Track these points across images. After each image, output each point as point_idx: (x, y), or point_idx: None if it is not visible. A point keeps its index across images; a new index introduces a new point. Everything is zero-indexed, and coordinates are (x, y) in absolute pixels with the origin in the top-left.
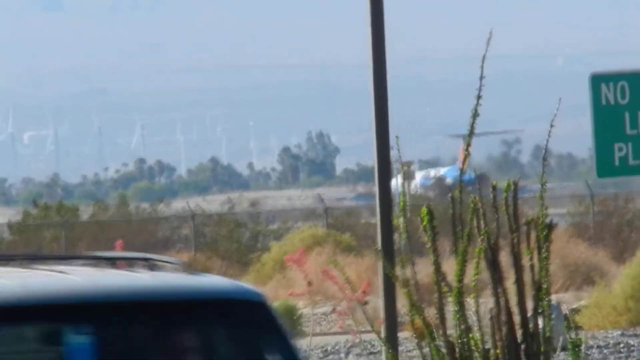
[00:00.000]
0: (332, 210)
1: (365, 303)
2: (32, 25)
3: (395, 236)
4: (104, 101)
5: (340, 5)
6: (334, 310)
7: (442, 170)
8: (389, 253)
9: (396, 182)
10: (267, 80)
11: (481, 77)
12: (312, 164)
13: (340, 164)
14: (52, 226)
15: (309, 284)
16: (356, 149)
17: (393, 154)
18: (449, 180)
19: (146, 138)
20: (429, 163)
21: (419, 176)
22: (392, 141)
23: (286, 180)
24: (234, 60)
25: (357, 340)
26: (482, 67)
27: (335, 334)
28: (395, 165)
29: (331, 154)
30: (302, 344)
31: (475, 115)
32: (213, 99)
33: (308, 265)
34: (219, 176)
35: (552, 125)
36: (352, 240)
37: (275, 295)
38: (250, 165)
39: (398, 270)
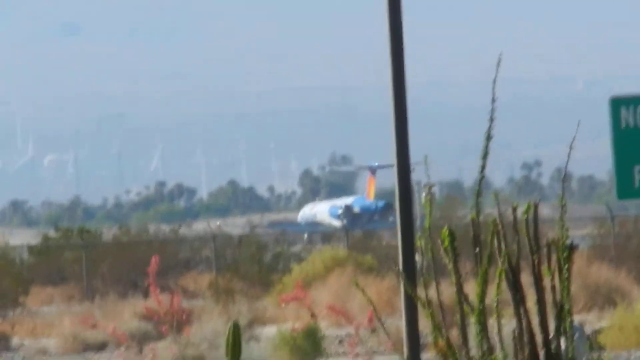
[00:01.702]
0: (352, 232)
1: (374, 330)
2: (51, 50)
3: (416, 257)
4: (124, 125)
5: (361, 28)
6: (340, 342)
7: (349, 200)
8: (410, 274)
9: (312, 209)
10: (288, 104)
11: (493, 100)
12: (332, 186)
13: (361, 186)
14: (73, 248)
15: (313, 316)
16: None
17: (413, 176)
18: (356, 209)
19: (166, 161)
20: (449, 185)
21: (326, 206)
22: (413, 164)
23: (307, 203)
24: (255, 84)
25: None
26: (493, 89)
27: (358, 355)
28: (416, 188)
29: (353, 175)
30: None
31: (488, 137)
32: (233, 123)
33: (330, 285)
34: (239, 199)
35: (571, 148)
36: (373, 262)
37: (297, 316)
38: (271, 188)
39: (420, 291)
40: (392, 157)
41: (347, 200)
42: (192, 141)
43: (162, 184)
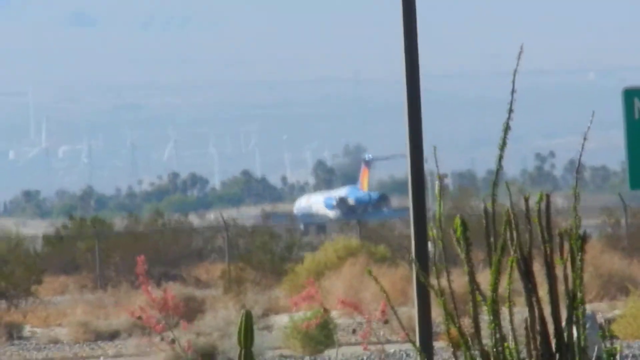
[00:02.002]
0: (365, 221)
1: (386, 322)
2: (66, 40)
3: (429, 246)
4: (137, 116)
5: (374, 19)
6: (354, 332)
7: (343, 191)
8: (423, 263)
9: (307, 201)
10: (301, 94)
11: (512, 92)
12: (345, 177)
13: (374, 177)
14: (86, 237)
15: (325, 311)
16: (390, 162)
17: (427, 166)
18: (351, 201)
19: (179, 151)
20: (462, 175)
21: (321, 197)
22: (426, 153)
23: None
24: (267, 75)
25: (383, 356)
26: (513, 81)
27: (370, 343)
28: (429, 178)
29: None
30: (336, 353)
31: (506, 129)
32: (246, 114)
33: (343, 274)
34: (252, 189)
35: (585, 139)
36: (386, 252)
37: (309, 305)
38: (284, 178)
39: (432, 280)
40: (404, 147)
41: (341, 191)
42: (205, 132)
43: (175, 174)
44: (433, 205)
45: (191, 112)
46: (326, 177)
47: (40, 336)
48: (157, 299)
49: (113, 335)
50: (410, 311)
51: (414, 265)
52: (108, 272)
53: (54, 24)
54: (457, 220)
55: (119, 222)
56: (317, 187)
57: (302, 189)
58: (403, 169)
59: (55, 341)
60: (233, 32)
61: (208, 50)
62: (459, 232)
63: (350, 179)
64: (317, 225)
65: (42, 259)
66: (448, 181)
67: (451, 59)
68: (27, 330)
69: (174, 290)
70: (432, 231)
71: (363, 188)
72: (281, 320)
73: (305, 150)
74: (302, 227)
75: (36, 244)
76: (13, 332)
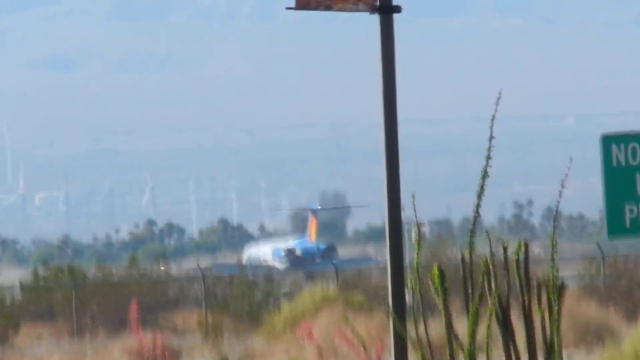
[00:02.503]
0: (342, 271)
1: None
2: (42, 83)
3: (406, 295)
4: (114, 161)
5: (353, 66)
6: None
7: (291, 242)
8: (400, 312)
9: (257, 251)
10: (279, 139)
11: (490, 138)
12: (322, 224)
13: (351, 225)
14: (63, 286)
15: (321, 356)
16: (367, 209)
17: (404, 214)
18: (298, 252)
19: (157, 198)
20: (439, 223)
21: (269, 248)
22: (404, 201)
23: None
24: (246, 120)
25: None
26: (491, 127)
27: None
28: (406, 227)
29: (343, 213)
30: None
31: (484, 176)
32: (224, 158)
33: (319, 323)
34: (229, 237)
35: (562, 187)
36: (363, 300)
37: (286, 354)
38: (261, 226)
39: (409, 329)
40: (383, 194)
41: (289, 242)
42: (182, 176)
43: (152, 222)
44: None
45: (168, 157)
46: (302, 225)
47: None
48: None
49: None
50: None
51: (390, 316)
52: (85, 320)
53: (29, 67)
54: (435, 270)
55: (96, 271)
56: (295, 235)
57: (280, 237)
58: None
59: None
60: (211, 75)
61: (185, 92)
62: (436, 282)
63: (329, 226)
64: (265, 276)
65: (18, 307)
66: (425, 229)
67: (429, 103)
68: None
69: (151, 338)
70: (410, 280)
71: (311, 239)
72: None
73: (282, 196)
74: (250, 277)
75: (13, 292)
76: None
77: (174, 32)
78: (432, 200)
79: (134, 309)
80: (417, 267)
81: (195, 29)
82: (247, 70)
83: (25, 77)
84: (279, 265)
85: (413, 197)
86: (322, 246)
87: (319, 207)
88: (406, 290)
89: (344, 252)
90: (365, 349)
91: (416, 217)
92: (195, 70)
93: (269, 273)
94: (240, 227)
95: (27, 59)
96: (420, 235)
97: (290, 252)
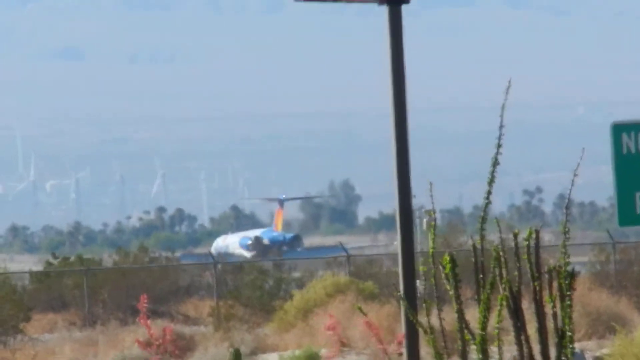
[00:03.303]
0: (354, 258)
1: (400, 354)
2: (53, 74)
3: (418, 284)
4: (125, 149)
5: (362, 55)
6: None
7: (259, 232)
8: (411, 300)
9: (224, 241)
10: (289, 129)
11: (501, 126)
12: (333, 212)
13: (362, 213)
14: (74, 274)
15: (344, 345)
16: (378, 197)
17: (414, 202)
18: (265, 241)
19: (167, 186)
20: (450, 212)
21: (237, 237)
22: (414, 189)
23: (308, 228)
24: (256, 109)
25: None
26: (502, 115)
27: None
28: (417, 213)
29: (353, 202)
30: None
31: (495, 164)
32: (235, 148)
33: (330, 313)
34: (241, 225)
35: (575, 175)
36: (374, 288)
37: (298, 343)
38: (273, 214)
39: (421, 318)
40: (392, 183)
41: (256, 232)
42: (193, 165)
43: (162, 209)
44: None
45: (178, 146)
46: (314, 213)
47: None
48: (155, 335)
49: None
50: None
51: (402, 303)
52: (96, 309)
53: (41, 57)
54: (446, 257)
55: (107, 258)
56: (305, 223)
57: (290, 225)
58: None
59: None
60: (221, 66)
61: (196, 83)
62: (447, 269)
63: (338, 213)
64: (233, 265)
65: (30, 296)
66: (436, 217)
67: (439, 93)
68: None
69: (163, 327)
70: (422, 267)
71: (277, 228)
72: (270, 358)
73: (293, 186)
74: (219, 267)
75: (24, 280)
76: None
77: (183, 23)
78: (442, 189)
79: (143, 300)
80: (432, 254)
81: (205, 20)
82: (256, 61)
83: (36, 67)
84: (247, 254)
85: (430, 184)
86: (288, 235)
87: (284, 197)
88: (417, 279)
89: (354, 239)
90: (378, 337)
91: (433, 204)
92: (205, 60)
93: (236, 262)
94: (252, 216)
95: (39, 50)
96: (433, 223)
97: (257, 241)
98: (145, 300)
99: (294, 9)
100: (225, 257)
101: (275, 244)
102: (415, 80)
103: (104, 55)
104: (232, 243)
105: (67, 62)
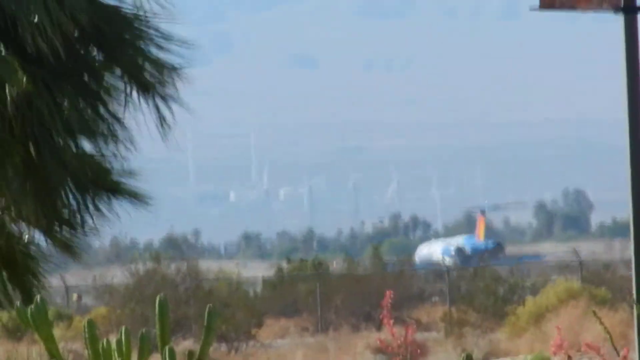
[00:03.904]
0: (586, 264)
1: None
2: (287, 82)
3: None
4: (359, 157)
5: (596, 60)
6: None
7: (460, 240)
8: None
9: (428, 250)
10: (522, 136)
11: None
12: (566, 218)
13: (595, 219)
14: (307, 279)
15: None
16: (612, 205)
17: None
18: (467, 249)
19: (401, 194)
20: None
21: (439, 246)
22: None
23: (541, 235)
24: (490, 117)
25: None
26: None
27: None
28: None
29: (586, 209)
30: None
31: None
32: (469, 156)
33: (563, 318)
34: (474, 231)
35: None
36: (607, 294)
37: (530, 348)
38: (506, 220)
39: None
40: (626, 190)
41: (458, 240)
42: (426, 173)
43: (396, 216)
44: None
45: (413, 153)
46: (547, 219)
47: None
48: (397, 335)
49: None
50: (632, 355)
51: (635, 308)
52: (329, 314)
53: (275, 66)
54: None
55: (339, 265)
56: (538, 231)
57: (523, 232)
58: (625, 212)
59: None
60: (455, 74)
61: (430, 91)
62: None
63: (571, 220)
64: (466, 271)
65: (262, 302)
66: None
67: None
68: None
69: (395, 333)
70: None
71: (480, 237)
72: None
73: (527, 193)
74: (452, 273)
75: (256, 286)
76: None
77: (418, 31)
78: None
79: (389, 296)
80: None
81: (439, 26)
82: (491, 68)
83: (270, 75)
84: (449, 262)
85: None
86: (490, 245)
87: (486, 207)
88: None
89: (588, 246)
90: (612, 342)
91: None
92: (439, 68)
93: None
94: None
95: (273, 58)
96: None
97: (459, 250)
98: (391, 296)
99: (529, 17)
100: (427, 265)
101: (477, 252)
102: None
103: (338, 62)
104: (435, 251)
105: (301, 70)
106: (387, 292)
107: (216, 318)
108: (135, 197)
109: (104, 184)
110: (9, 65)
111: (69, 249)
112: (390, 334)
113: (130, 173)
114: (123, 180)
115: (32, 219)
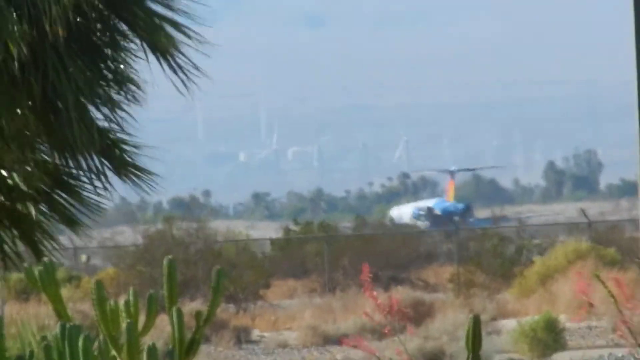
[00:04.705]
0: (595, 224)
1: None
2: (295, 41)
3: None
4: (368, 116)
5: (606, 22)
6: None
7: (430, 202)
8: None
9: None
10: (532, 95)
11: None
12: (575, 179)
13: (604, 179)
14: (315, 241)
15: (591, 305)
16: (621, 164)
17: None
18: (437, 211)
19: (410, 152)
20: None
21: (410, 208)
22: None
23: (550, 195)
24: (499, 77)
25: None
26: None
27: (598, 347)
28: None
29: (595, 169)
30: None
31: None
32: (477, 114)
33: (571, 278)
34: (483, 191)
35: None
36: (615, 255)
37: (538, 309)
38: (516, 180)
39: None
40: (635, 149)
41: (428, 202)
42: (436, 132)
43: (405, 176)
44: None
45: (422, 112)
46: (557, 180)
47: (268, 340)
48: (382, 305)
49: (341, 340)
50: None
51: None
52: (336, 275)
53: (283, 25)
54: None
55: (347, 225)
56: (547, 191)
57: (532, 192)
58: (633, 172)
59: (284, 345)
60: (465, 33)
61: (439, 50)
62: None
63: (580, 180)
64: (475, 231)
65: (270, 263)
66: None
67: None
68: (255, 334)
69: (403, 294)
70: None
71: (449, 199)
72: (509, 324)
73: (535, 152)
74: (460, 233)
75: (265, 247)
76: (241, 336)
77: None
78: None
79: (366, 271)
80: None
81: None
82: (501, 28)
83: (278, 34)
84: (419, 224)
85: None
86: (460, 206)
87: (455, 169)
88: None
89: (596, 206)
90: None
91: None
92: (449, 27)
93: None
94: (492, 182)
95: (281, 17)
96: None
97: (429, 212)
98: (369, 271)
99: None
100: (398, 227)
101: (447, 214)
102: None
103: (346, 21)
104: (405, 213)
105: (308, 30)
106: (364, 266)
107: (224, 279)
108: (142, 172)
109: (110, 154)
110: (11, 18)
111: (69, 219)
112: (375, 305)
113: (137, 147)
114: (130, 151)
115: (35, 178)
